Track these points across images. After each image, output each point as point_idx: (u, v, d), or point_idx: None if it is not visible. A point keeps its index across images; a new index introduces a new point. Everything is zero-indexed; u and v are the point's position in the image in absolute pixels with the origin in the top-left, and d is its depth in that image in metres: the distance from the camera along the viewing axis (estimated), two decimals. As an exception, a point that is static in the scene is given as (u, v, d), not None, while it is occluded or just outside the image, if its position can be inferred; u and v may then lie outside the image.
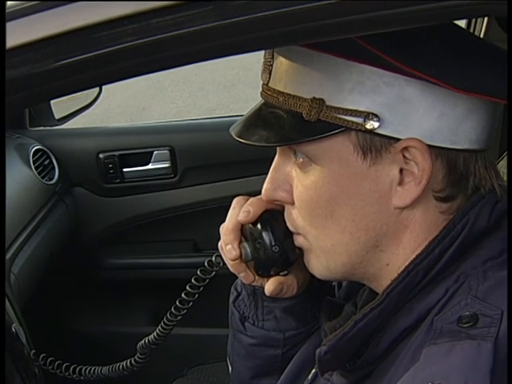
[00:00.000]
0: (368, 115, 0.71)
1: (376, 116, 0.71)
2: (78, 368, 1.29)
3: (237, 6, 0.61)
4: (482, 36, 1.79)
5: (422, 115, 0.71)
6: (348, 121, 0.71)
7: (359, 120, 0.71)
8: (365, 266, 0.78)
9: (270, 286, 0.89)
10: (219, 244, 0.91)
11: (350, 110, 0.71)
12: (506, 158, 1.28)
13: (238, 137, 0.79)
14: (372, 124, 0.71)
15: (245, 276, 0.90)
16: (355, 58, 0.71)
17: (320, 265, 0.81)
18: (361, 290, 0.87)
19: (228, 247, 0.88)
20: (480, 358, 0.61)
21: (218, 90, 6.28)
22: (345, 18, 0.60)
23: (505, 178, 0.77)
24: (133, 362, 1.16)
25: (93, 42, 0.63)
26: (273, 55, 0.78)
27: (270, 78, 0.78)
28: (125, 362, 1.18)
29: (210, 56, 0.67)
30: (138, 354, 1.14)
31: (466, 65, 0.72)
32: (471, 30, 1.84)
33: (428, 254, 0.73)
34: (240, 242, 0.88)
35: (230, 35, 0.63)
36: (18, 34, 0.64)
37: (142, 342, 1.11)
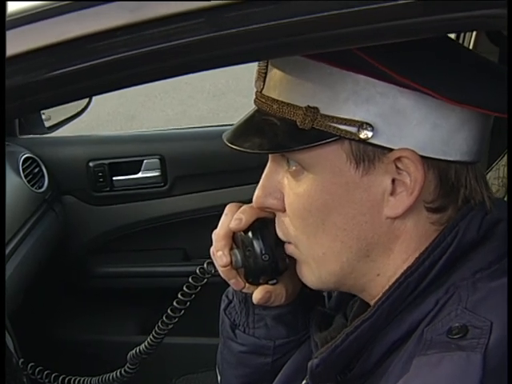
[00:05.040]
0: (362, 125, 0.71)
1: (370, 126, 0.71)
2: (67, 378, 1.28)
3: (229, 18, 0.61)
4: (471, 48, 1.81)
5: (415, 126, 0.72)
6: (342, 130, 0.72)
7: (353, 129, 0.72)
8: (355, 276, 0.79)
9: (257, 294, 0.90)
10: (211, 250, 0.91)
11: (345, 119, 0.72)
12: (494, 169, 1.29)
13: (231, 143, 0.79)
14: (366, 134, 0.71)
15: (235, 283, 0.91)
16: (350, 68, 0.71)
17: (312, 274, 0.81)
18: (351, 301, 0.87)
19: (219, 253, 0.89)
20: (469, 368, 0.61)
21: (208, 98, 6.28)
22: (341, 31, 0.61)
23: (493, 190, 0.78)
24: (123, 372, 1.15)
25: (85, 52, 0.64)
26: (267, 63, 0.78)
27: (263, 85, 0.78)
28: (114, 373, 1.17)
29: (202, 67, 0.67)
30: (128, 365, 1.13)
31: (459, 76, 0.73)
32: (460, 42, 1.85)
33: (418, 266, 0.73)
34: (231, 249, 0.89)
35: (222, 47, 0.63)
36: (11, 44, 0.64)
37: (133, 352, 1.10)
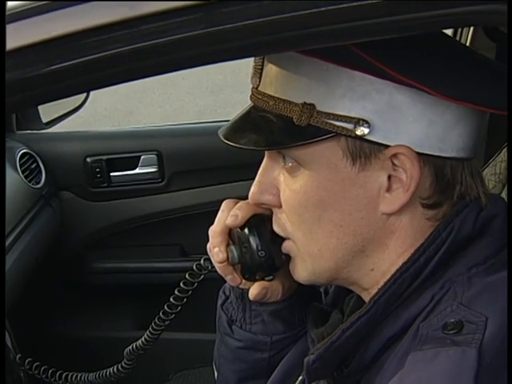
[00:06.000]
0: (358, 121, 0.71)
1: (366, 122, 0.71)
2: (65, 374, 1.28)
3: (226, 13, 0.61)
4: (467, 44, 1.81)
5: (411, 122, 0.72)
6: (338, 126, 0.72)
7: (349, 126, 0.72)
8: (349, 270, 0.79)
9: (253, 290, 0.90)
10: (208, 246, 0.91)
11: (341, 116, 0.72)
12: (490, 165, 1.29)
13: (227, 139, 0.79)
14: (362, 130, 0.71)
15: (231, 279, 0.91)
16: (346, 65, 0.71)
17: (306, 270, 0.82)
18: (347, 297, 0.87)
19: (215, 250, 0.89)
20: (464, 364, 0.61)
21: (206, 94, 6.28)
22: (336, 26, 0.61)
23: (490, 186, 0.78)
24: (120, 368, 1.16)
25: (82, 47, 0.64)
26: (263, 59, 0.78)
27: (260, 81, 0.78)
28: (111, 369, 1.18)
29: (199, 63, 0.67)
30: (124, 360, 1.13)
31: (455, 73, 0.73)
32: (457, 38, 1.85)
33: (414, 261, 0.73)
34: (228, 245, 0.89)
35: (219, 42, 0.63)
36: (8, 39, 0.64)
37: (130, 347, 1.10)
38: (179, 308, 1.00)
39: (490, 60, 0.79)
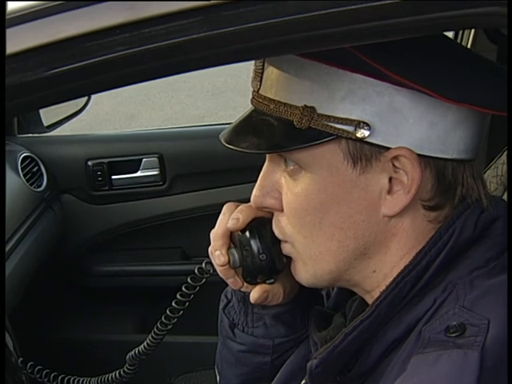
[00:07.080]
0: (359, 124, 0.71)
1: (367, 125, 0.71)
2: (67, 378, 1.28)
3: (226, 16, 0.61)
4: (468, 46, 1.81)
5: (412, 124, 0.72)
6: (339, 129, 0.72)
7: (350, 128, 0.72)
8: (351, 272, 0.79)
9: (254, 293, 0.90)
10: (209, 249, 0.91)
11: (341, 119, 0.72)
12: (492, 167, 1.29)
13: (228, 143, 0.79)
14: (363, 132, 0.71)
15: (233, 282, 0.91)
16: (347, 67, 0.71)
17: (307, 273, 0.81)
18: (349, 300, 0.87)
19: (217, 253, 0.89)
20: (466, 366, 0.61)
21: (207, 97, 6.29)
22: (333, 29, 0.61)
23: (492, 188, 0.78)
24: (122, 373, 1.15)
25: (84, 51, 0.64)
26: (264, 62, 0.78)
27: (260, 85, 0.78)
28: (114, 374, 1.17)
29: (201, 66, 0.67)
30: (127, 365, 1.13)
31: (456, 75, 0.73)
32: (458, 41, 1.86)
33: (415, 265, 0.73)
34: (229, 248, 0.89)
35: (220, 45, 0.63)
36: (9, 43, 0.64)
37: (132, 352, 1.10)
38: (181, 312, 1.00)
39: (491, 62, 0.79)
